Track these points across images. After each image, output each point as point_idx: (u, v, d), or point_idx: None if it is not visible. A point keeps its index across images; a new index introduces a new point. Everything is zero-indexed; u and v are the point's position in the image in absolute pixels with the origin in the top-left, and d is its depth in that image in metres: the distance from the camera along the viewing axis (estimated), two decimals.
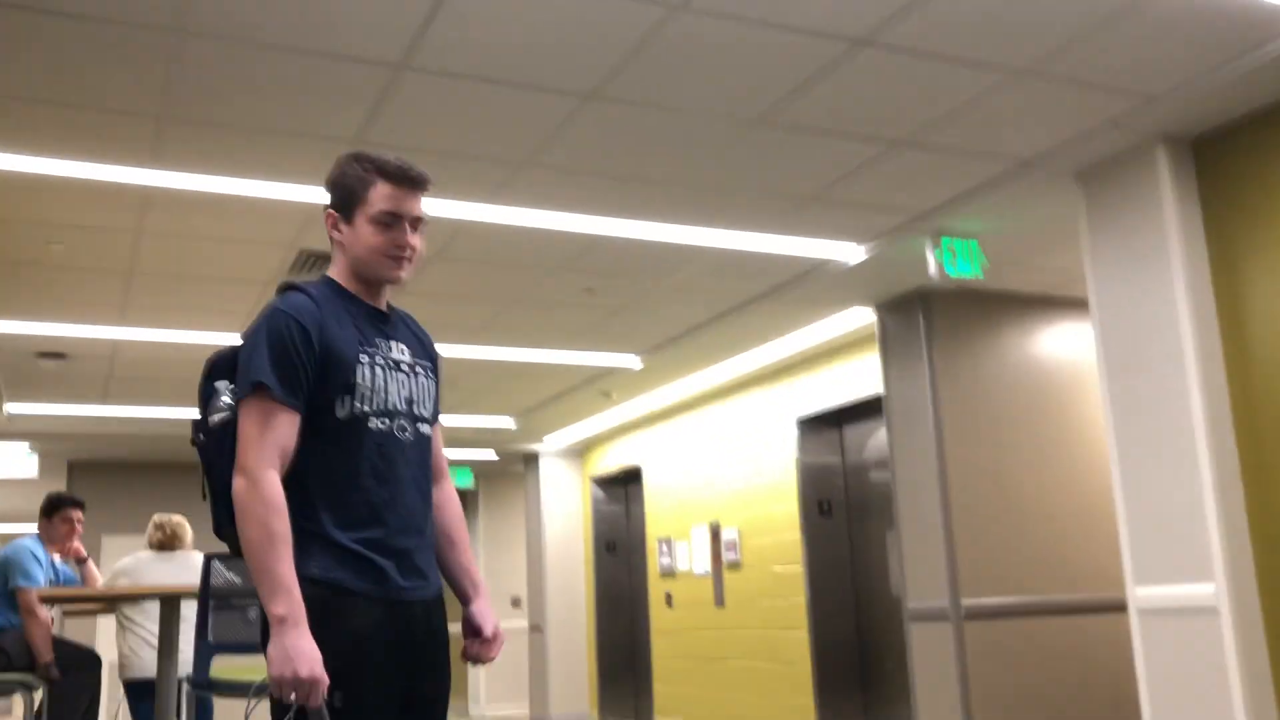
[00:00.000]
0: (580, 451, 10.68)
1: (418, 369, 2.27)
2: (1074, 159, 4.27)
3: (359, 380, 2.14)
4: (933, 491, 5.66)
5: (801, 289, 5.75)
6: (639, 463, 9.62)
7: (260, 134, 3.79)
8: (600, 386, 8.10)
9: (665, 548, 9.05)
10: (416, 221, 2.23)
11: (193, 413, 9.05)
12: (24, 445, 9.61)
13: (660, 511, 9.21)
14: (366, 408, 2.15)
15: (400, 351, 2.25)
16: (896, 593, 6.65)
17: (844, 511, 7.42)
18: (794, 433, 7.50)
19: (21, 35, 3.14)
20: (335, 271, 2.27)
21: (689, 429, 8.83)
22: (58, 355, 6.64)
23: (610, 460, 10.19)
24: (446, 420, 9.40)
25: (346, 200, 2.23)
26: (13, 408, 8.11)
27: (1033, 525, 5.75)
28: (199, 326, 6.25)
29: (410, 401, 2.22)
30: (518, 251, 5.01)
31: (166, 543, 5.46)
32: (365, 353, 2.17)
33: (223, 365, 2.21)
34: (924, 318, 5.80)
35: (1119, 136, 4.06)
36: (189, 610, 4.56)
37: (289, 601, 1.97)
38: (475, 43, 3.28)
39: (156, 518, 5.52)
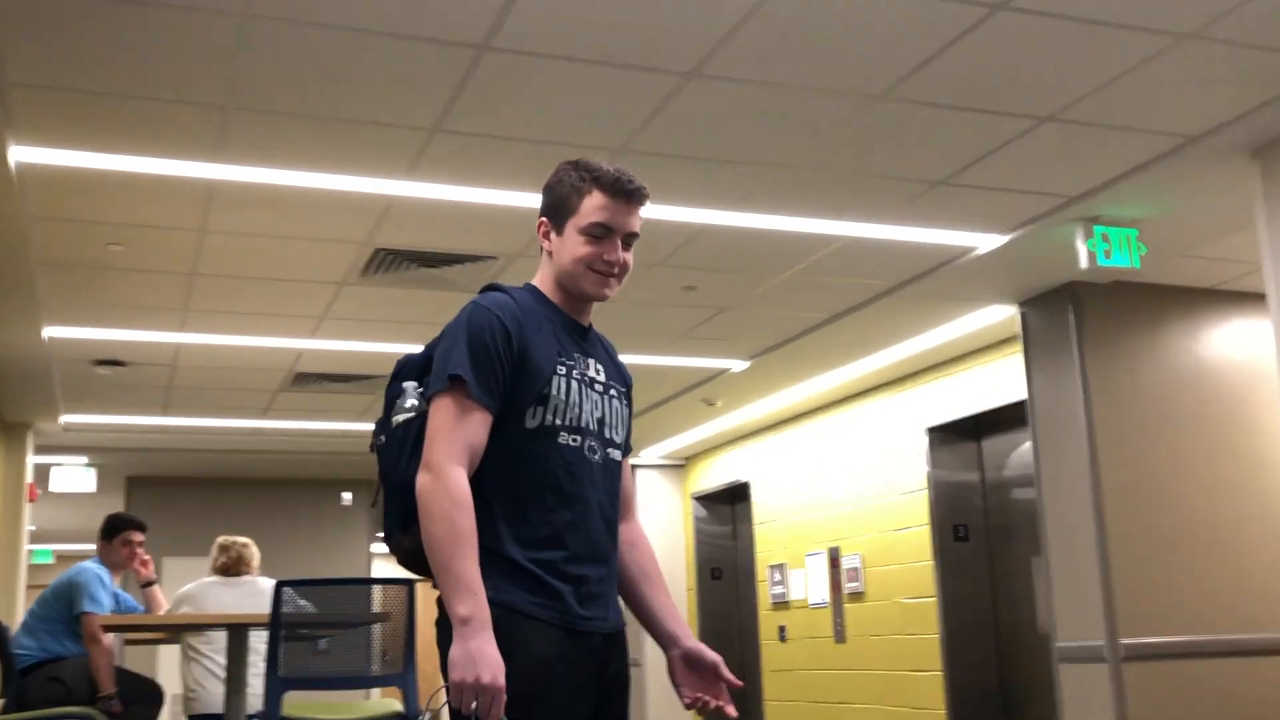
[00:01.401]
0: (680, 465, 10.73)
1: (612, 391, 2.35)
2: (1250, 133, 4.16)
3: (553, 391, 2.21)
4: (1086, 513, 5.57)
5: (933, 285, 5.71)
6: (747, 478, 9.63)
7: (331, 123, 3.91)
8: (703, 394, 8.13)
9: (778, 575, 9.04)
10: (630, 237, 2.31)
11: (260, 423, 9.30)
12: (81, 459, 10.01)
13: (771, 534, 9.21)
14: (558, 421, 2.21)
15: (596, 370, 2.33)
16: (1044, 630, 6.55)
17: (983, 536, 7.32)
18: (924, 445, 7.43)
19: (79, 23, 3.30)
20: (539, 280, 2.36)
21: (803, 441, 8.80)
22: (116, 363, 6.91)
23: (714, 475, 10.21)
24: None
25: (559, 208, 2.32)
26: (70, 419, 8.47)
27: (1202, 552, 5.61)
28: (266, 332, 6.44)
29: (602, 423, 2.29)
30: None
31: (231, 567, 5.60)
32: (563, 364, 2.24)
33: (412, 366, 2.31)
34: (1074, 315, 5.71)
35: None
36: (258, 641, 4.68)
37: (475, 603, 2.02)
38: (563, 19, 3.34)
39: (221, 540, 5.67)
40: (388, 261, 5.28)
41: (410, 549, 2.21)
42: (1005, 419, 6.91)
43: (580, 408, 2.24)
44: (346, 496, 11.60)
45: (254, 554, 5.68)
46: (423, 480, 2.10)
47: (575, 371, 2.26)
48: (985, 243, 5.21)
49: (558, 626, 2.15)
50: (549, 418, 2.20)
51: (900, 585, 7.60)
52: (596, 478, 2.26)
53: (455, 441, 2.11)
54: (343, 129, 3.96)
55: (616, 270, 2.29)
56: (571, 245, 2.28)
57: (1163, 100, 3.94)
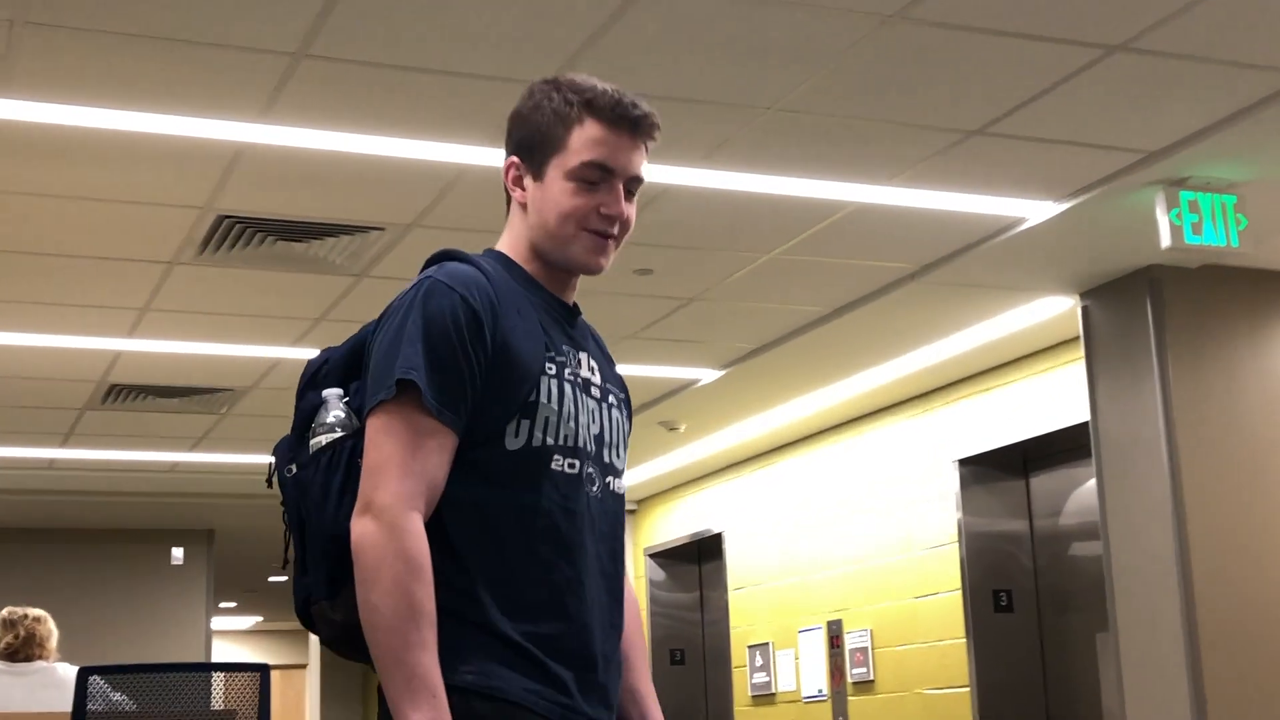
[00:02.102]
0: (630, 511, 10.74)
1: (610, 398, 2.30)
2: None
3: (542, 399, 2.16)
4: (1167, 572, 5.62)
5: (966, 269, 5.74)
6: (719, 529, 9.63)
7: (152, 43, 3.86)
8: (661, 415, 8.13)
9: (760, 658, 9.05)
10: (635, 183, 2.26)
11: (60, 452, 9.19)
12: None
13: (751, 603, 9.22)
14: (550, 439, 2.16)
15: (591, 369, 2.29)
16: None
17: (1032, 604, 7.36)
18: (954, 483, 7.48)
19: None
20: (508, 245, 2.30)
21: (793, 479, 8.82)
22: None
23: (676, 525, 10.21)
24: None
25: (537, 144, 2.25)
26: None
27: None
28: (66, 329, 6.38)
29: (601, 441, 2.24)
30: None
31: (19, 649, 5.55)
32: (552, 361, 2.20)
33: (334, 366, 2.26)
34: (1152, 310, 5.77)
35: None
36: None
37: (435, 708, 1.98)
38: None
39: (5, 613, 5.62)
40: (234, 233, 5.25)
41: (343, 623, 2.13)
42: (1062, 449, 6.97)
43: (576, 420, 2.19)
44: (178, 554, 11.51)
45: (50, 631, 5.64)
46: (362, 530, 2.04)
47: (567, 370, 2.22)
48: (1036, 212, 5.24)
49: None
50: (537, 435, 2.15)
51: (923, 671, 7.63)
52: (596, 518, 2.21)
53: (408, 475, 2.05)
54: (168, 51, 3.91)
55: (616, 230, 2.24)
56: (556, 195, 2.22)
57: (1270, 25, 3.98)
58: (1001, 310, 6.39)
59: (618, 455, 2.28)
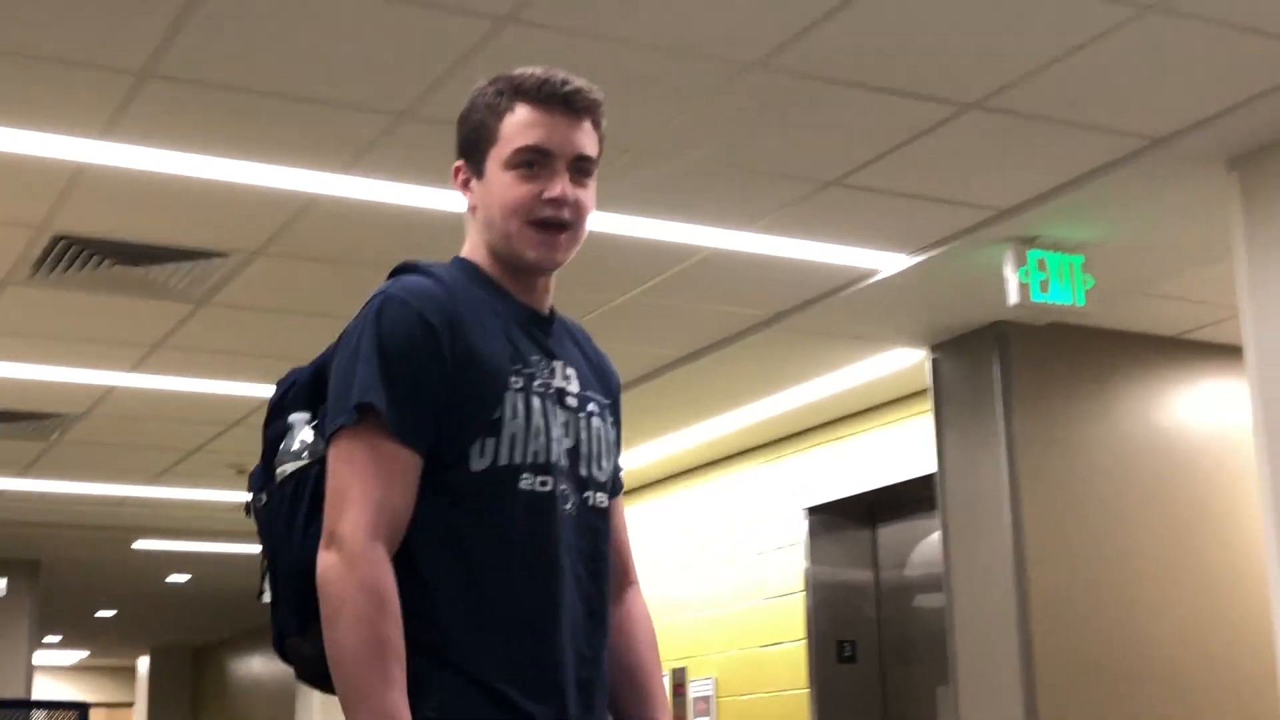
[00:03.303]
0: None
1: (590, 406, 2.23)
2: (1227, 138, 4.35)
3: (506, 415, 2.11)
4: (1008, 629, 5.70)
5: (820, 317, 5.79)
6: None
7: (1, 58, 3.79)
8: None
9: None
10: (582, 162, 2.20)
11: None
12: None
13: None
14: (517, 458, 2.10)
15: (566, 377, 2.22)
16: None
17: (875, 656, 7.43)
18: (803, 532, 7.53)
19: None
20: (470, 251, 2.25)
21: (643, 524, 8.81)
22: None
23: None
24: None
25: (475, 141, 2.22)
26: None
27: (1156, 681, 5.80)
28: None
29: (576, 454, 2.18)
30: (363, 242, 5.03)
31: None
32: (519, 374, 2.14)
33: (300, 389, 2.21)
34: (1000, 365, 5.87)
35: None
36: None
37: None
38: None
39: None
40: (71, 255, 5.13)
41: (313, 657, 2.07)
42: (909, 500, 7.05)
43: (546, 436, 2.13)
44: (0, 583, 11.19)
45: None
46: (326, 563, 2.00)
47: (537, 382, 2.15)
48: (889, 264, 5.32)
49: None
50: (503, 454, 2.09)
51: None
52: (571, 538, 2.15)
53: (370, 504, 2.01)
54: (11, 64, 3.83)
55: (567, 214, 2.18)
56: (497, 189, 2.18)
57: (1122, 90, 4.09)
58: (853, 360, 6.46)
59: (598, 467, 2.21)
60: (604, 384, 2.31)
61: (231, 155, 4.38)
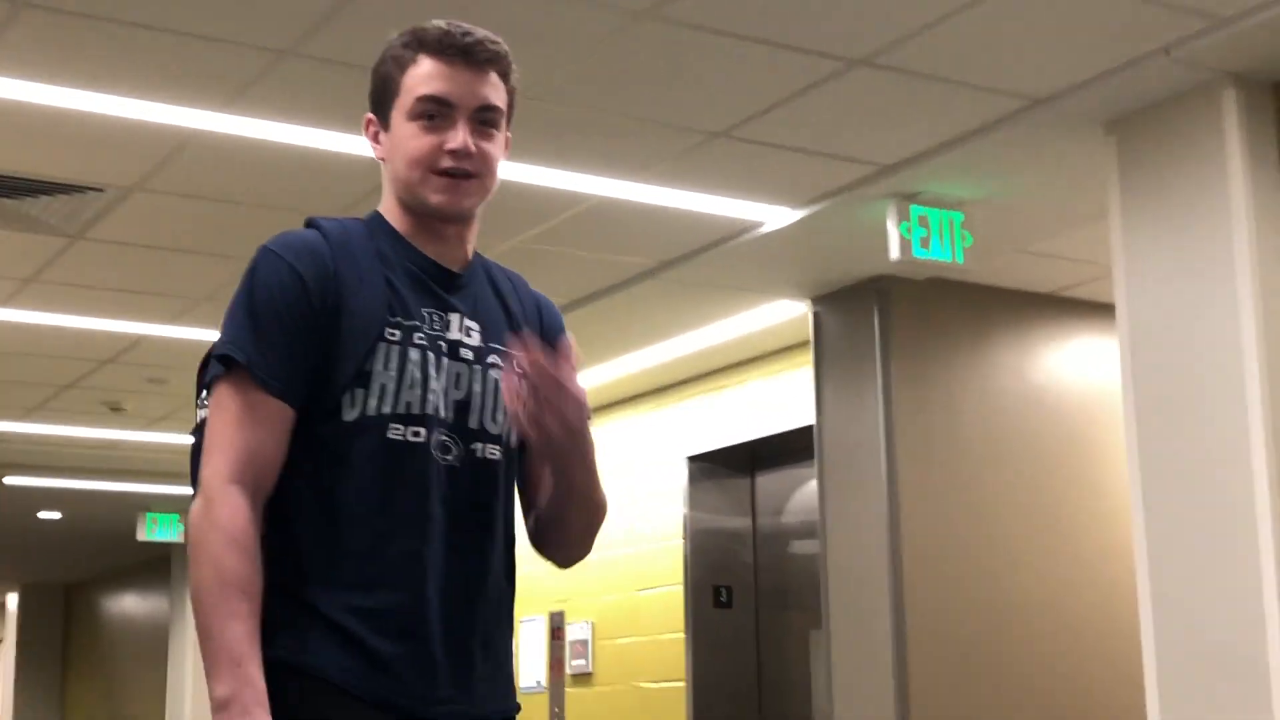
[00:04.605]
0: None
1: (490, 359, 2.24)
2: (1105, 101, 4.42)
3: (377, 366, 2.13)
4: (880, 576, 5.79)
5: (704, 268, 5.83)
6: None
7: None
8: None
9: None
10: (485, 113, 2.22)
11: None
12: None
13: None
14: (385, 408, 2.13)
15: (466, 331, 2.24)
16: None
17: (749, 601, 7.51)
18: (682, 479, 7.58)
19: None
20: (385, 206, 2.28)
21: None
22: None
23: None
24: (140, 437, 9.21)
25: (381, 94, 2.25)
26: None
27: (1023, 631, 5.94)
28: None
29: (466, 407, 2.20)
30: (242, 180, 4.99)
31: None
32: (396, 325, 2.16)
33: None
34: (880, 319, 5.94)
35: (1172, 72, 4.23)
36: None
37: (236, 679, 1.97)
38: None
39: None
40: None
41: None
42: (787, 449, 7.11)
43: (423, 388, 2.15)
44: None
45: None
46: (193, 508, 2.07)
47: (418, 335, 2.17)
48: (774, 217, 5.36)
49: (377, 708, 2.07)
50: (371, 404, 2.13)
51: (642, 664, 7.72)
52: (452, 489, 2.17)
53: (231, 449, 2.07)
54: None
55: (469, 166, 2.19)
56: (401, 140, 2.21)
57: (1005, 51, 4.14)
58: (736, 311, 6.50)
59: (491, 420, 2.22)
60: (524, 331, 2.30)
61: (109, 90, 4.30)
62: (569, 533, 2.38)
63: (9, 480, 10.51)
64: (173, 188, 5.01)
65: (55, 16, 3.86)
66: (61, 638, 18.99)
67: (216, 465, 2.07)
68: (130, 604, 16.75)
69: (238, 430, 2.08)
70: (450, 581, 2.16)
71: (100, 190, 5.07)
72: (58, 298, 6.29)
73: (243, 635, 1.99)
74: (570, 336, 2.26)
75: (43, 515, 12.50)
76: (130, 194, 5.09)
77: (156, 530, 11.55)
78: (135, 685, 15.85)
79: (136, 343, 7.01)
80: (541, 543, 2.40)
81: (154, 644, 14.57)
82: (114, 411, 8.47)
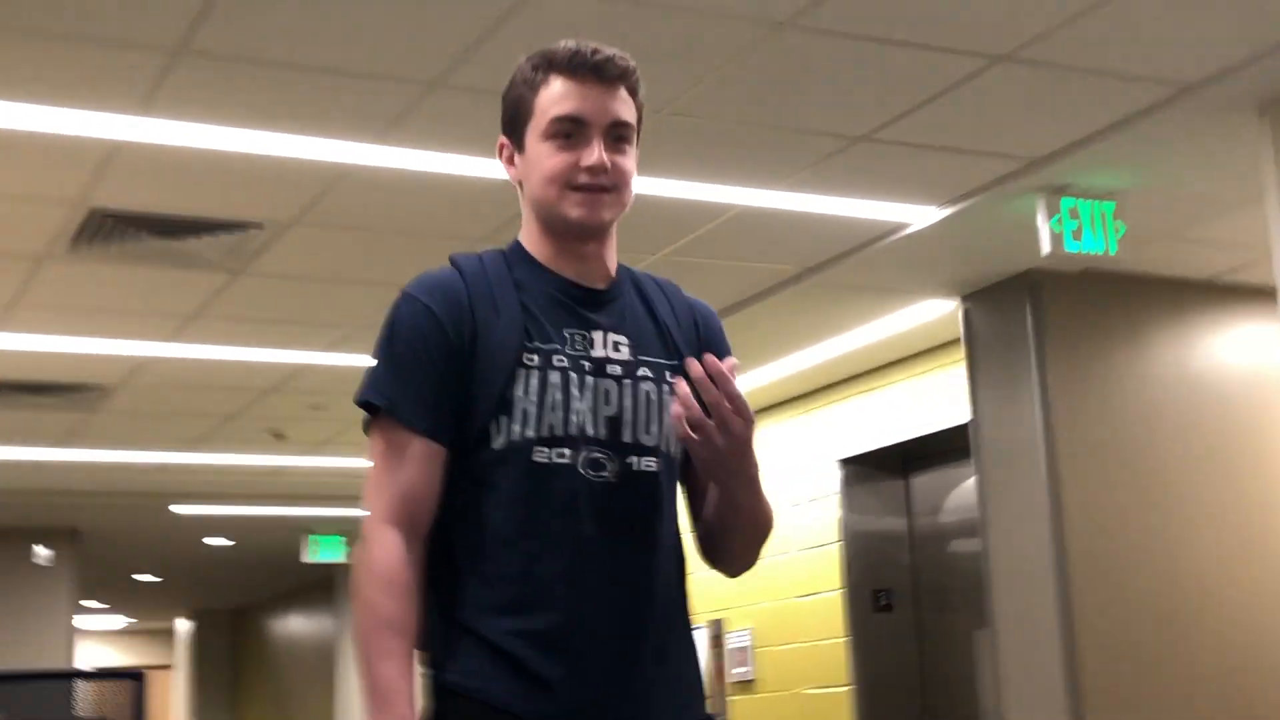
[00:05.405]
0: None
1: (642, 371, 2.25)
2: (1257, 84, 4.34)
3: (516, 392, 2.16)
4: (1045, 571, 5.74)
5: (850, 272, 5.82)
6: None
7: (28, 38, 3.82)
8: None
9: None
10: (618, 129, 2.25)
11: None
12: None
13: None
14: (530, 432, 2.16)
15: (613, 347, 2.25)
16: None
17: (910, 603, 7.48)
18: (835, 483, 7.57)
19: None
20: (523, 232, 2.32)
21: None
22: None
23: None
24: (302, 462, 9.40)
25: (514, 118, 2.29)
26: None
27: (1193, 622, 5.85)
28: None
29: (618, 424, 2.21)
30: (396, 210, 5.09)
31: None
32: (534, 351, 2.18)
33: None
34: (1032, 314, 5.89)
35: None
36: None
37: (389, 716, 2.03)
38: None
39: None
40: (107, 228, 5.16)
41: None
42: (942, 449, 7.08)
43: (565, 409, 2.17)
44: (40, 552, 11.29)
45: None
46: (355, 552, 2.19)
47: (558, 357, 2.18)
48: (919, 218, 5.33)
49: None
50: (515, 430, 2.15)
51: (804, 671, 7.72)
52: (606, 504, 2.18)
53: (384, 492, 2.13)
54: (44, 47, 3.86)
55: (605, 180, 2.22)
56: (537, 161, 2.24)
57: (1151, 38, 4.08)
58: (884, 313, 6.48)
59: (645, 432, 2.22)
60: (674, 344, 2.31)
61: (265, 128, 4.41)
62: (735, 546, 2.38)
63: (177, 509, 10.81)
64: (329, 220, 5.13)
65: (212, 62, 3.97)
66: (232, 661, 19.45)
67: (372, 509, 2.14)
68: (297, 625, 17.10)
69: (388, 473, 2.14)
70: (611, 596, 2.17)
71: (260, 227, 5.20)
72: (220, 332, 6.47)
73: (395, 673, 2.05)
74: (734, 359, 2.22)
75: (210, 542, 12.82)
76: (288, 229, 5.21)
77: (320, 552, 11.78)
78: (305, 704, 16.18)
79: (297, 372, 7.18)
80: (709, 554, 2.41)
81: (321, 663, 14.88)
82: (276, 439, 8.68)
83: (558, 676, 2.11)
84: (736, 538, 2.36)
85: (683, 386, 2.11)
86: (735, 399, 2.11)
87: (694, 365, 2.09)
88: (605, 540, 2.17)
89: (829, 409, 7.70)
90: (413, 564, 2.11)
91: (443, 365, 2.16)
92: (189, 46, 3.87)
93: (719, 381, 2.09)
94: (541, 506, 2.15)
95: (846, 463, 7.54)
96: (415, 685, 2.07)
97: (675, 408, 2.12)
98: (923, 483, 7.50)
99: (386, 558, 2.09)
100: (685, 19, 3.86)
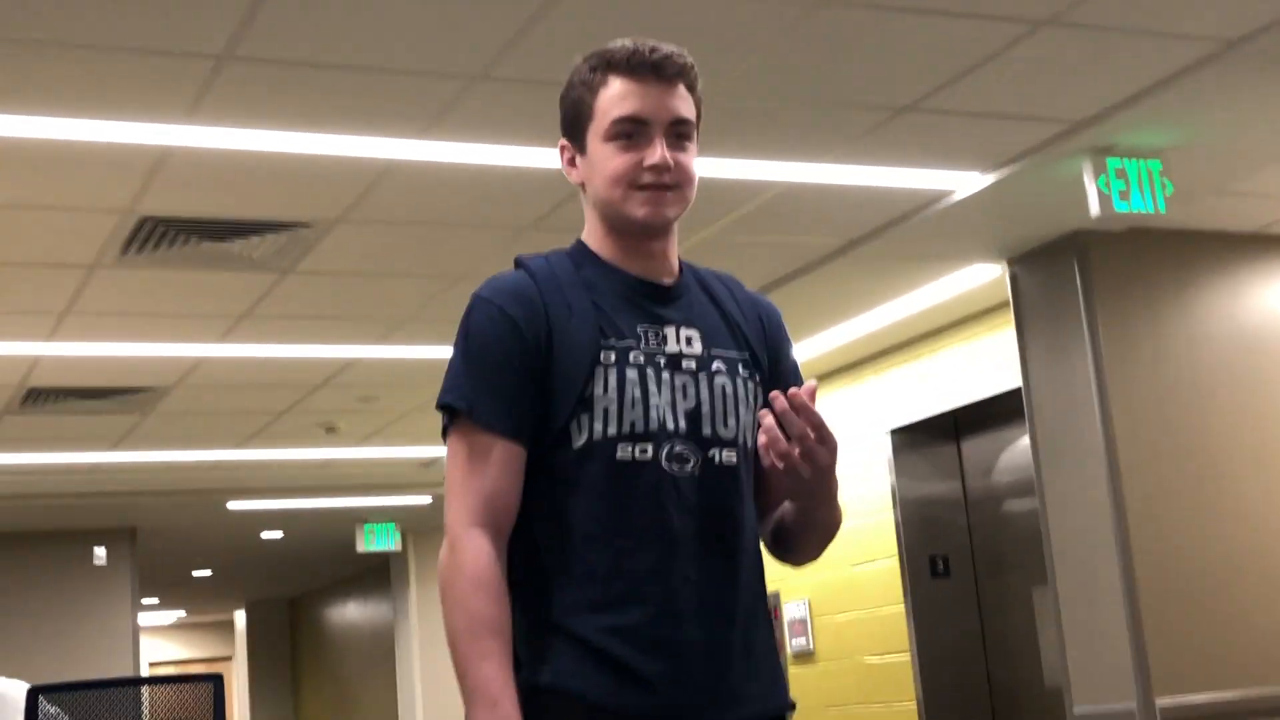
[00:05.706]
0: None
1: (716, 364, 2.27)
2: None
3: (597, 390, 2.17)
4: (1104, 530, 5.73)
5: (897, 241, 5.81)
6: None
7: (75, 50, 3.85)
8: None
9: None
10: (679, 126, 2.25)
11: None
12: None
13: None
14: (612, 430, 2.17)
15: (685, 340, 2.26)
16: (1053, 688, 6.73)
17: (967, 567, 7.48)
18: (887, 451, 7.57)
19: None
20: (586, 231, 2.33)
21: None
22: None
23: None
24: (353, 453, 9.46)
25: (575, 119, 2.29)
26: None
27: (1255, 574, 5.84)
28: None
29: (697, 416, 2.22)
30: (442, 203, 5.11)
31: None
32: (611, 348, 2.20)
33: None
34: (1080, 274, 5.87)
35: None
36: None
37: (492, 716, 2.04)
38: None
39: None
40: (158, 234, 5.20)
41: None
42: (994, 413, 7.07)
43: (644, 405, 2.18)
44: (100, 553, 11.39)
45: None
46: (440, 556, 2.15)
47: (634, 354, 2.20)
48: (965, 184, 5.31)
49: None
50: (598, 428, 2.17)
51: (864, 639, 7.73)
52: (690, 498, 2.19)
53: (467, 494, 2.15)
54: (94, 57, 3.88)
55: (669, 179, 2.22)
56: (600, 162, 2.24)
57: None
58: (929, 280, 6.47)
59: (723, 425, 2.24)
60: (743, 336, 2.33)
61: (310, 129, 4.43)
62: (808, 547, 2.39)
63: (232, 505, 10.89)
64: (375, 216, 5.15)
65: (256, 66, 3.99)
66: (289, 650, 19.60)
67: (456, 511, 2.14)
68: (353, 612, 17.22)
69: (470, 475, 2.15)
70: (702, 589, 2.18)
71: (307, 225, 5.23)
72: (270, 330, 6.51)
73: (495, 674, 2.06)
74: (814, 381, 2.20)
75: (265, 535, 12.92)
76: (335, 226, 5.24)
77: (375, 541, 11.86)
78: (365, 690, 16.29)
79: (347, 365, 7.22)
80: (777, 549, 2.41)
81: (380, 649, 14.97)
82: (328, 432, 8.73)
83: (657, 672, 2.12)
84: (811, 539, 2.37)
85: (767, 418, 2.10)
86: (820, 428, 2.09)
87: (779, 399, 2.07)
88: (693, 534, 2.18)
89: (877, 378, 7.69)
90: (501, 565, 2.13)
91: (520, 366, 2.17)
92: (233, 53, 3.90)
93: (802, 412, 2.08)
94: (628, 503, 2.16)
95: (898, 432, 7.54)
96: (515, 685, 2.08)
97: (761, 438, 2.11)
98: (973, 447, 7.50)
99: (476, 560, 2.11)
100: (725, 4, 3.86)
